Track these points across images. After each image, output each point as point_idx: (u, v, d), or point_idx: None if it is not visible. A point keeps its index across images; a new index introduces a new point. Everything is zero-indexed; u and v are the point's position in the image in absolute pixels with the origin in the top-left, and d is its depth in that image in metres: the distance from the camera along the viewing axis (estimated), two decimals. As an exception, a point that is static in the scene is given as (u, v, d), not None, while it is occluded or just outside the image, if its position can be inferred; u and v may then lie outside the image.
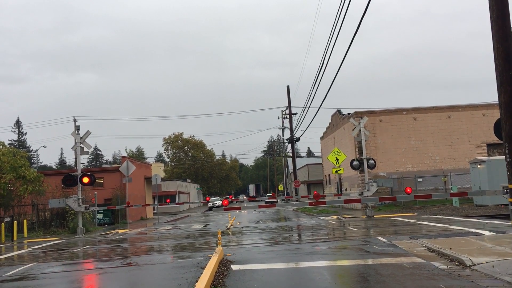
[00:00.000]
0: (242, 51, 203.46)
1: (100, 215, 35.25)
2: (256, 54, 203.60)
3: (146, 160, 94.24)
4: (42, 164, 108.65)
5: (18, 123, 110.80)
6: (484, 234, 13.75)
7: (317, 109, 37.23)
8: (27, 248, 19.46)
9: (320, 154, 56.72)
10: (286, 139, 55.00)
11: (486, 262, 9.17)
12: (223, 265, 10.60)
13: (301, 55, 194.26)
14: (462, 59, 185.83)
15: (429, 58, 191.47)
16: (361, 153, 28.93)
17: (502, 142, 9.05)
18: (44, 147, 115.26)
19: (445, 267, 9.34)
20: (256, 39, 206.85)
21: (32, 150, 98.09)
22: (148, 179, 46.14)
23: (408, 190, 18.57)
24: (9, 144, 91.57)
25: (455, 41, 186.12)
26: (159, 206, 39.11)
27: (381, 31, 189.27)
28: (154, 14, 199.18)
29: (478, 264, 9.15)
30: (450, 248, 10.98)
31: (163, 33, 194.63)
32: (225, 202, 18.62)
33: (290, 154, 52.11)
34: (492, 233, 13.79)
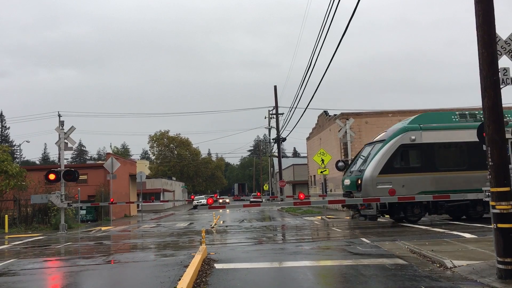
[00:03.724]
0: (224, 51, 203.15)
1: (83, 212, 34.89)
2: (238, 54, 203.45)
3: (131, 157, 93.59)
4: (25, 159, 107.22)
5: (1, 117, 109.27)
6: (465, 237, 13.92)
7: (304, 109, 37.37)
8: (7, 244, 19.20)
9: (306, 155, 56.90)
10: (272, 139, 55.10)
11: (467, 265, 9.28)
12: (207, 264, 10.57)
13: (283, 56, 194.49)
14: (440, 65, 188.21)
15: (407, 63, 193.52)
16: (346, 154, 29.08)
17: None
18: (28, 142, 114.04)
19: (427, 268, 9.43)
20: (236, 39, 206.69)
21: (15, 145, 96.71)
22: (132, 176, 45.82)
23: (391, 192, 18.73)
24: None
25: (432, 48, 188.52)
26: (143, 204, 38.88)
27: (360, 36, 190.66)
28: (134, 12, 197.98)
29: (459, 266, 9.26)
30: (432, 250, 11.09)
31: (143, 31, 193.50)
32: (210, 201, 18.58)
33: (276, 154, 52.20)
34: (473, 236, 13.96)
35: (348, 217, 24.70)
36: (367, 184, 18.92)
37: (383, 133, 21.42)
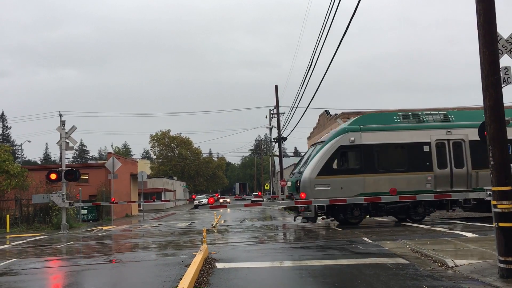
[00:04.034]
0: (224, 51, 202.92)
1: (85, 211, 34.91)
2: (238, 54, 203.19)
3: (133, 157, 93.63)
4: (27, 159, 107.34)
5: (2, 117, 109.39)
6: (467, 236, 13.91)
7: (305, 109, 37.34)
8: (9, 244, 19.22)
9: (307, 154, 56.78)
10: (273, 139, 55.04)
11: (468, 264, 9.28)
12: (208, 263, 10.57)
13: (283, 55, 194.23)
14: (440, 65, 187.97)
15: (407, 63, 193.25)
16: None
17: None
18: (29, 141, 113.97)
19: (428, 267, 9.43)
20: (237, 39, 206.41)
21: (16, 145, 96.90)
22: (134, 176, 45.83)
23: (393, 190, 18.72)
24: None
25: (433, 48, 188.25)
26: (144, 203, 38.88)
27: (360, 36, 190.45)
28: (135, 13, 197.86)
29: (460, 265, 9.25)
30: (433, 249, 11.09)
31: (143, 31, 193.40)
32: (211, 200, 18.57)
33: (277, 153, 52.18)
34: (475, 235, 13.95)
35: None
36: (305, 186, 18.68)
37: (327, 134, 21.20)
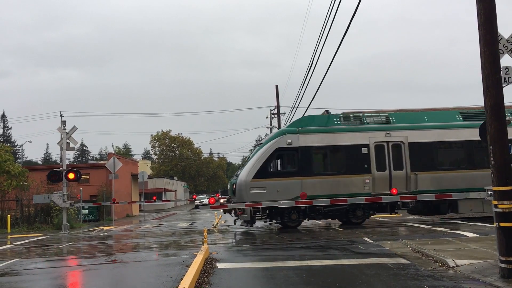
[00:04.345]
0: (224, 50, 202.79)
1: (85, 212, 34.94)
2: (238, 54, 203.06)
3: (133, 157, 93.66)
4: (27, 159, 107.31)
5: (3, 118, 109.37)
6: (468, 236, 13.91)
7: (305, 109, 37.31)
8: (10, 244, 19.24)
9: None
10: (274, 139, 54.95)
11: (469, 264, 9.28)
12: (209, 263, 10.58)
13: (284, 55, 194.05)
14: (440, 64, 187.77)
15: (407, 62, 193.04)
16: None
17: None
18: (30, 142, 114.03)
19: (429, 267, 9.43)
20: (237, 39, 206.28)
21: (17, 145, 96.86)
22: (134, 176, 45.85)
23: (394, 191, 18.75)
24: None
25: (433, 47, 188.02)
26: (145, 204, 38.90)
27: (360, 35, 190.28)
28: (135, 13, 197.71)
29: (461, 265, 9.25)
30: (434, 249, 11.09)
31: (144, 31, 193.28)
32: (212, 201, 18.57)
33: (278, 153, 52.07)
34: (475, 235, 13.95)
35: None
36: (241, 189, 18.51)
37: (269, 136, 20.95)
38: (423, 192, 18.72)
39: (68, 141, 25.90)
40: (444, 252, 10.67)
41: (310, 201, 17.51)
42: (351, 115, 20.51)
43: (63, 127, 26.23)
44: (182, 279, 8.23)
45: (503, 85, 8.60)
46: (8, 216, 27.31)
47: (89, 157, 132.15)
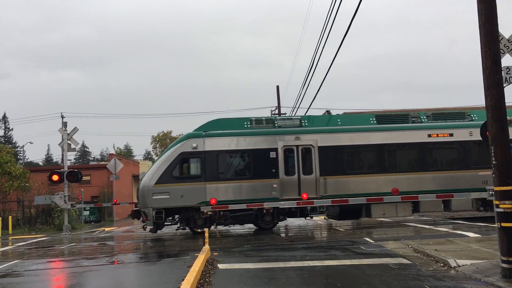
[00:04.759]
0: (224, 51, 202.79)
1: (87, 213, 34.98)
2: (238, 54, 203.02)
3: (134, 158, 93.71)
4: (29, 160, 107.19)
5: (4, 119, 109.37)
6: (469, 236, 13.89)
7: (306, 109, 37.34)
8: (11, 245, 19.26)
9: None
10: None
11: (471, 264, 9.27)
12: (210, 264, 10.58)
13: (284, 56, 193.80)
14: (440, 65, 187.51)
15: (408, 63, 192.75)
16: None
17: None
18: (31, 143, 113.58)
19: (431, 268, 9.42)
20: (237, 40, 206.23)
21: (18, 146, 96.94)
22: (136, 177, 45.90)
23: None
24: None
25: (433, 48, 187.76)
26: (146, 204, 38.94)
27: (360, 36, 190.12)
28: (135, 14, 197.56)
29: (463, 265, 9.24)
30: (436, 249, 11.08)
31: (144, 32, 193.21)
32: (213, 201, 18.55)
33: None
34: (477, 235, 13.94)
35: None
36: (144, 194, 18.27)
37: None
38: (333, 197, 18.61)
39: (69, 142, 25.92)
40: (446, 252, 10.66)
41: (221, 206, 17.51)
42: (264, 118, 20.10)
43: (64, 128, 26.25)
44: (183, 279, 8.23)
45: (504, 85, 8.60)
46: (10, 217, 27.34)
47: (90, 158, 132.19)
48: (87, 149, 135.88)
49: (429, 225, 18.35)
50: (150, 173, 18.71)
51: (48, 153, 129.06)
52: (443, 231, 15.92)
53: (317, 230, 19.92)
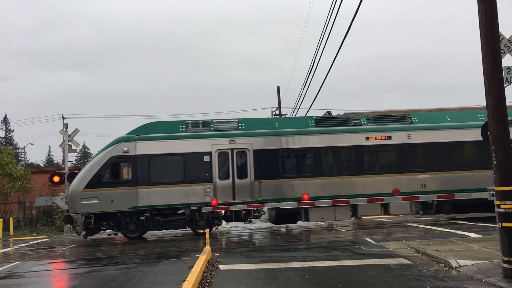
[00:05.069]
0: (224, 52, 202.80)
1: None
2: (238, 55, 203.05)
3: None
4: (30, 161, 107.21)
5: (5, 120, 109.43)
6: (470, 236, 13.89)
7: (307, 110, 37.35)
8: (13, 246, 19.28)
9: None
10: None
11: (472, 264, 9.26)
12: (211, 265, 10.59)
13: (284, 57, 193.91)
14: (441, 65, 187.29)
15: (408, 63, 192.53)
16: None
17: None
18: (32, 144, 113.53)
19: (432, 268, 9.42)
20: (237, 41, 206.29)
21: (19, 148, 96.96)
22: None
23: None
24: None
25: (433, 48, 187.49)
26: (147, 205, 38.91)
27: (360, 36, 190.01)
28: (135, 15, 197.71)
29: (464, 265, 9.24)
30: (437, 250, 11.08)
31: (144, 33, 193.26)
32: (214, 202, 18.56)
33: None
34: (478, 235, 13.93)
35: (353, 217, 24.67)
36: (72, 199, 18.03)
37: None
38: (268, 201, 18.54)
39: (70, 143, 25.93)
40: (447, 252, 10.66)
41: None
42: (201, 121, 19.76)
43: (65, 130, 26.27)
44: (184, 280, 8.23)
45: (505, 85, 8.60)
46: (11, 218, 27.35)
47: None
48: (88, 150, 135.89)
49: (430, 226, 18.34)
50: (79, 177, 18.34)
51: (49, 155, 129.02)
52: (444, 231, 15.91)
53: (318, 231, 19.92)
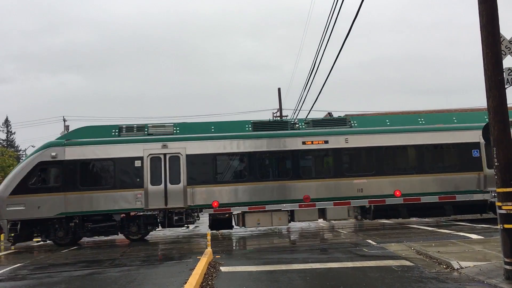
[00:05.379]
0: (224, 54, 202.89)
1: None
2: (239, 57, 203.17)
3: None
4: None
5: (6, 122, 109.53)
6: (472, 238, 13.86)
7: (308, 112, 37.35)
8: (13, 249, 19.26)
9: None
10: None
11: (474, 266, 9.25)
12: (212, 267, 10.59)
13: (284, 58, 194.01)
14: (441, 66, 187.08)
15: (408, 64, 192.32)
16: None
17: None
18: (33, 146, 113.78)
19: (433, 270, 9.40)
20: (237, 43, 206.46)
21: (20, 150, 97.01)
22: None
23: (397, 193, 18.71)
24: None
25: (433, 49, 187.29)
26: (148, 207, 38.90)
27: (361, 37, 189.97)
28: (135, 18, 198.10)
29: (465, 267, 9.23)
30: (439, 251, 11.06)
31: (144, 36, 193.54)
32: (215, 204, 18.56)
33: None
34: (480, 237, 13.90)
35: (354, 219, 24.65)
36: None
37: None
38: (202, 207, 18.48)
39: (71, 145, 25.97)
40: (449, 254, 10.64)
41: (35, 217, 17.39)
42: (135, 126, 19.51)
43: (66, 132, 26.31)
44: (185, 282, 8.23)
45: (506, 86, 8.60)
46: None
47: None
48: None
49: (431, 227, 18.31)
50: (5, 183, 18.12)
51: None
52: (445, 232, 15.89)
53: (319, 233, 19.90)
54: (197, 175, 18.43)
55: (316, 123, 19.93)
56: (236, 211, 18.81)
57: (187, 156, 18.45)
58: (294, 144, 18.93)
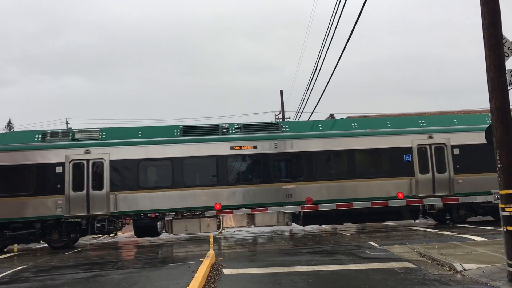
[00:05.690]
0: (225, 56, 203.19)
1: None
2: (239, 59, 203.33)
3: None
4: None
5: (9, 125, 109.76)
6: (475, 240, 13.83)
7: (310, 114, 37.40)
8: (16, 251, 19.29)
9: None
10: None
11: (477, 268, 9.23)
12: (215, 269, 10.58)
13: (285, 60, 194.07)
14: (443, 67, 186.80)
15: (409, 66, 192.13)
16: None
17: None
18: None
19: (436, 272, 9.38)
20: (238, 44, 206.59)
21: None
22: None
23: (400, 195, 18.71)
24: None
25: (434, 50, 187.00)
26: (151, 210, 38.87)
27: (361, 39, 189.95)
28: (136, 20, 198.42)
29: (469, 269, 9.21)
30: (441, 254, 11.04)
31: (145, 38, 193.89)
32: (218, 206, 18.57)
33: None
34: (483, 239, 13.87)
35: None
36: None
37: None
38: (125, 213, 18.39)
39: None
40: (452, 256, 10.62)
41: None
42: (60, 131, 19.14)
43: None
44: (188, 285, 8.23)
45: (509, 88, 8.59)
46: None
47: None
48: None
49: (434, 229, 18.27)
50: None
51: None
52: (449, 234, 15.85)
53: (322, 235, 19.88)
54: (121, 181, 18.20)
55: (248, 127, 19.62)
56: (167, 217, 18.77)
57: (111, 161, 18.18)
58: (222, 149, 18.70)
